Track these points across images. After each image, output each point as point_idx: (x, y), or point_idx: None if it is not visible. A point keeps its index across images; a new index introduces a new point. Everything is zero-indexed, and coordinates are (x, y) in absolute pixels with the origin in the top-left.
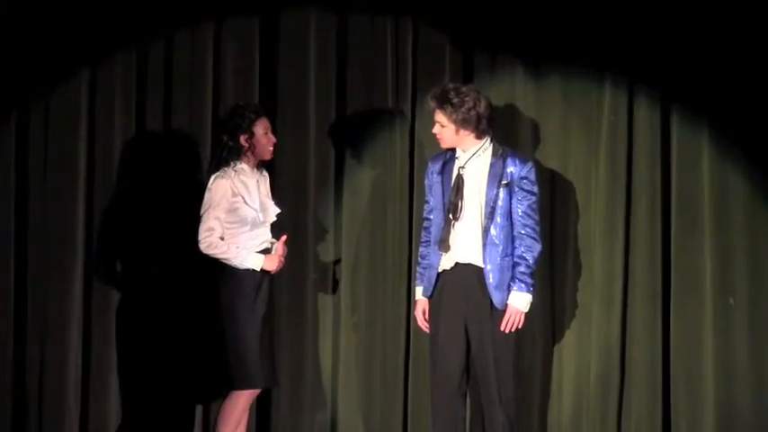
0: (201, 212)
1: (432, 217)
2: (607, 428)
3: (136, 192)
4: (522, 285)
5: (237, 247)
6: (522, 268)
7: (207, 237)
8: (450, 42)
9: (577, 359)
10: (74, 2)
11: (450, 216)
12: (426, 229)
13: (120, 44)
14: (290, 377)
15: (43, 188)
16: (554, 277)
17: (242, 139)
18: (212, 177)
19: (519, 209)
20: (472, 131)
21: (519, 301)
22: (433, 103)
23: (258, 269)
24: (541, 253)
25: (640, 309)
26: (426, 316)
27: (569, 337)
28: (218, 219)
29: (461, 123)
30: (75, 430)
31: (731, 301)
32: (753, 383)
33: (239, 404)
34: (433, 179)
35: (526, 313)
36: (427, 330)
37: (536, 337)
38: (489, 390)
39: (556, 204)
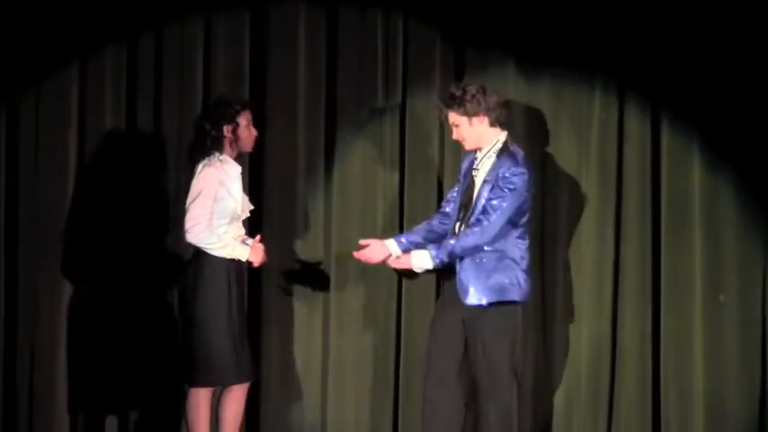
0: (188, 202)
1: (450, 200)
2: (598, 425)
3: (117, 186)
4: (434, 252)
5: (222, 237)
6: (451, 241)
7: (193, 226)
8: (441, 38)
9: (568, 356)
10: None
11: (459, 220)
12: (442, 208)
13: (109, 37)
14: (280, 374)
15: (34, 181)
16: (544, 275)
17: (225, 129)
18: (200, 166)
19: (486, 200)
20: (484, 117)
21: (419, 258)
22: (441, 109)
23: (244, 260)
24: (475, 250)
25: (630, 306)
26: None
27: (560, 334)
28: (205, 207)
29: (472, 113)
30: (65, 429)
31: (721, 297)
32: (742, 380)
33: (199, 402)
34: (460, 176)
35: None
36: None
37: (526, 335)
38: (482, 387)
39: (546, 202)
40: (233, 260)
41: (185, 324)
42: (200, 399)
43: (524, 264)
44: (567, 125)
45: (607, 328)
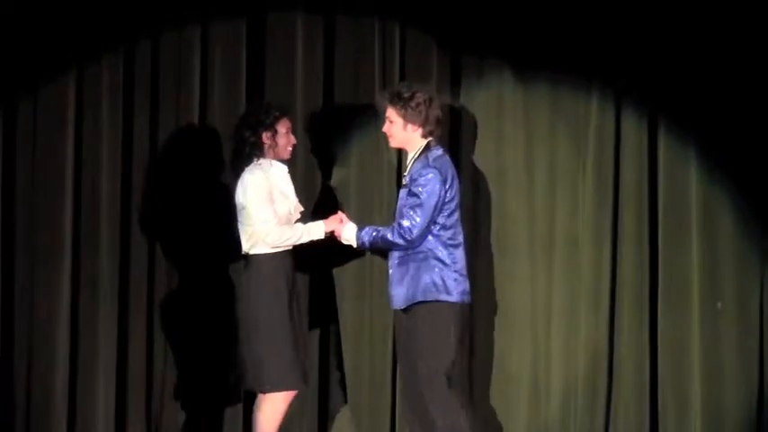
0: (249, 209)
1: None
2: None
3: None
4: (361, 233)
5: (294, 228)
6: (383, 229)
7: (266, 228)
8: (438, 45)
9: (565, 363)
10: (61, 3)
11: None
12: None
13: (107, 45)
14: None
15: (30, 190)
16: (541, 281)
17: (264, 135)
18: (243, 176)
19: (403, 205)
20: (419, 128)
21: (348, 231)
22: (384, 99)
23: (323, 235)
24: (396, 247)
25: (628, 312)
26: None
27: (557, 340)
28: (267, 208)
29: (409, 119)
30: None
31: (719, 304)
32: (740, 386)
33: (280, 407)
34: None
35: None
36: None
37: (523, 341)
38: (424, 393)
39: (542, 208)
40: (287, 263)
41: (248, 331)
42: (283, 403)
43: (457, 265)
44: (564, 130)
45: (604, 334)
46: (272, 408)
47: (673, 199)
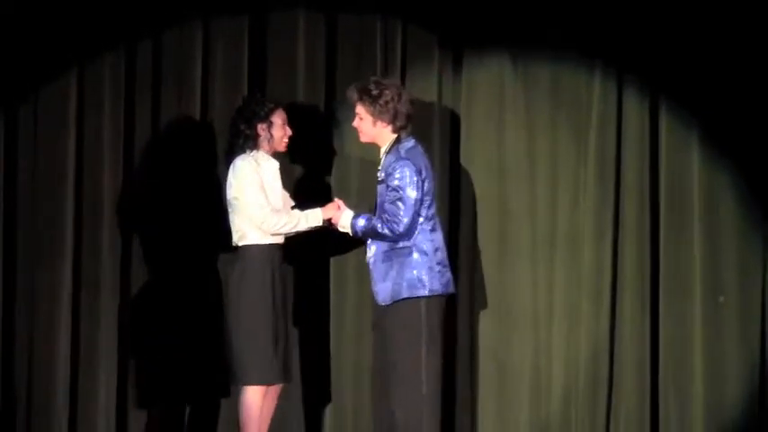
0: (244, 198)
1: None
2: (596, 427)
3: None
4: (361, 219)
5: (291, 214)
6: (374, 219)
7: (263, 215)
8: (439, 37)
9: (566, 357)
10: (61, 2)
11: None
12: None
13: (108, 44)
14: None
15: (32, 188)
16: (542, 275)
17: (259, 127)
18: (235, 162)
19: (384, 202)
20: (388, 125)
21: (345, 218)
22: (353, 96)
23: (320, 222)
24: (389, 240)
25: (629, 307)
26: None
27: (558, 335)
28: (260, 195)
29: (378, 116)
30: (63, 431)
31: (720, 298)
32: (741, 381)
33: (254, 401)
34: None
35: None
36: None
37: (524, 336)
38: (385, 386)
39: (543, 200)
40: (275, 257)
41: (231, 323)
42: (256, 397)
43: (438, 256)
44: (565, 121)
45: (605, 328)
46: (247, 401)
47: (675, 191)
